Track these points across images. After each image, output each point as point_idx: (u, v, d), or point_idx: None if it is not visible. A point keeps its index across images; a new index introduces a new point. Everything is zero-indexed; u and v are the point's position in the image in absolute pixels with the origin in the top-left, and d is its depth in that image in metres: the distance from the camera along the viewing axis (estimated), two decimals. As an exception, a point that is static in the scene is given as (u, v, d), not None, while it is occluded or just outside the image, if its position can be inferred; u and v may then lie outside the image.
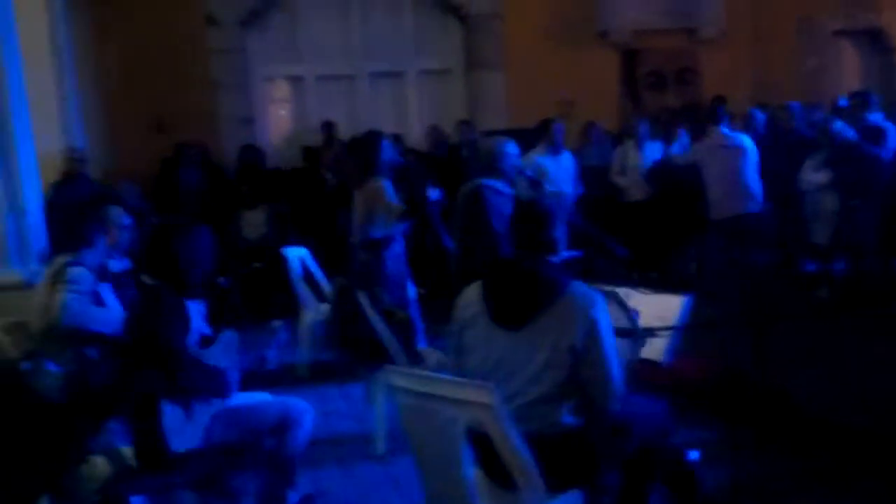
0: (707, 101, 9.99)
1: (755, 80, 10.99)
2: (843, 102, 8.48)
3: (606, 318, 2.96)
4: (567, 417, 2.90)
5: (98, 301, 4.08)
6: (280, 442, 3.56)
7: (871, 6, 11.56)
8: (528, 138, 7.31)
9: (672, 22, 11.01)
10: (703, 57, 11.11)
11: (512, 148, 5.05)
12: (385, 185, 5.52)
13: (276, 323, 4.01)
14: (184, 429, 3.36)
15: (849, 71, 12.00)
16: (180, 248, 3.45)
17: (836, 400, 4.74)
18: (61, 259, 4.14)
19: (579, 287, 2.97)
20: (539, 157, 7.49)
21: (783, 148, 8.01)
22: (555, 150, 7.63)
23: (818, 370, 5.32)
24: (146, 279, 3.50)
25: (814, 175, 7.32)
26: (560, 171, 7.59)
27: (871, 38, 11.91)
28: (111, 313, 4.05)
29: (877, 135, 7.02)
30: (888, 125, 7.17)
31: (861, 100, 8.03)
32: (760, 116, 8.80)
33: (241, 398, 3.64)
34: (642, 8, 10.84)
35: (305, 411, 3.68)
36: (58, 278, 4.01)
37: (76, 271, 4.01)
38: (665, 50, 11.09)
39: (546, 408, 2.89)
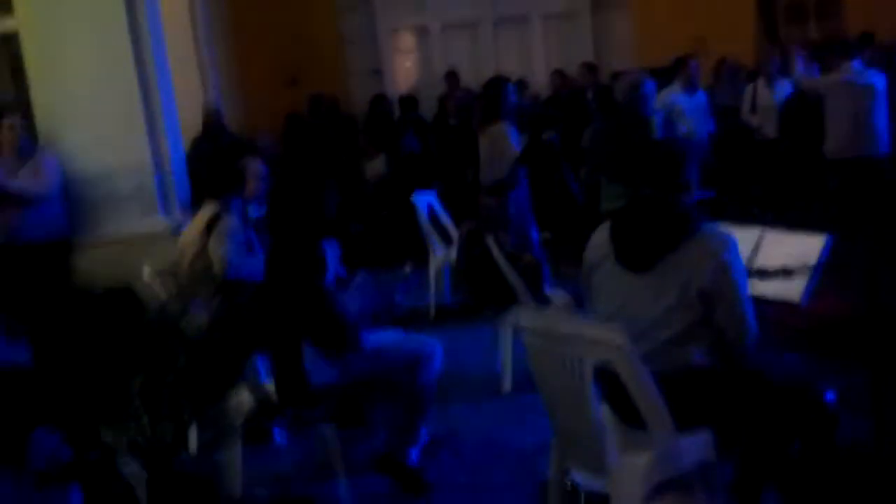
0: (851, 35, 9.40)
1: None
2: None
3: (739, 259, 2.89)
4: (698, 358, 2.87)
5: (250, 248, 4.29)
6: (412, 377, 3.68)
7: None
8: (657, 78, 7.13)
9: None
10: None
11: (650, 86, 4.98)
12: (508, 130, 5.52)
13: (407, 266, 4.12)
14: (322, 367, 3.52)
15: None
16: (310, 195, 3.57)
17: None
18: (210, 207, 4.35)
19: (710, 228, 2.90)
20: (674, 96, 7.34)
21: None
22: (691, 88, 7.47)
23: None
24: (282, 224, 3.65)
25: None
26: (695, 110, 7.42)
27: None
28: (260, 260, 4.25)
29: None
30: None
31: None
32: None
33: (376, 336, 3.77)
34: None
35: (436, 348, 3.78)
36: (213, 228, 4.22)
37: (230, 222, 4.22)
38: (805, -20, 10.49)
39: (676, 349, 2.86)
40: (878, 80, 6.86)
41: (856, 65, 6.88)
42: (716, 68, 9.09)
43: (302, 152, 8.19)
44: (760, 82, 8.29)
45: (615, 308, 2.96)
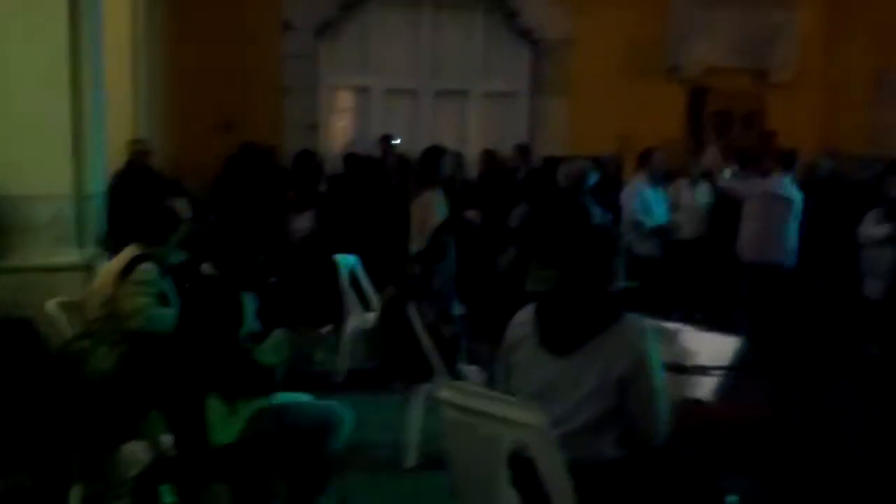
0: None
1: (822, 129, 10.82)
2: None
3: (656, 351, 2.92)
4: (609, 448, 2.87)
5: (163, 300, 4.17)
6: (317, 444, 3.57)
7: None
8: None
9: (743, 62, 10.93)
10: (772, 101, 10.99)
11: (594, 176, 5.11)
12: (439, 199, 5.56)
13: (326, 327, 4.05)
14: (226, 422, 3.39)
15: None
16: (240, 240, 3.50)
17: (882, 458, 4.62)
18: (131, 250, 4.22)
19: (631, 318, 2.94)
20: (641, 185, 7.59)
21: (845, 199, 7.88)
22: (655, 181, 7.69)
23: (866, 426, 5.20)
24: (205, 270, 3.56)
25: (873, 229, 7.19)
26: (659, 203, 7.70)
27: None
28: (172, 313, 4.12)
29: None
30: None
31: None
32: (826, 165, 8.68)
33: (284, 397, 3.66)
34: (714, 45, 10.77)
35: (345, 417, 3.69)
36: (130, 275, 4.08)
37: (148, 270, 4.09)
38: (734, 90, 10.99)
39: (589, 437, 2.85)
40: (798, 196, 7.21)
41: (786, 178, 7.22)
42: (640, 160, 9.35)
43: (232, 199, 8.06)
44: (683, 182, 8.57)
45: (534, 390, 2.95)
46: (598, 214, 5.50)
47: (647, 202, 7.52)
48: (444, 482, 3.06)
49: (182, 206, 4.39)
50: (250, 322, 3.52)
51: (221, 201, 7.97)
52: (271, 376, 3.45)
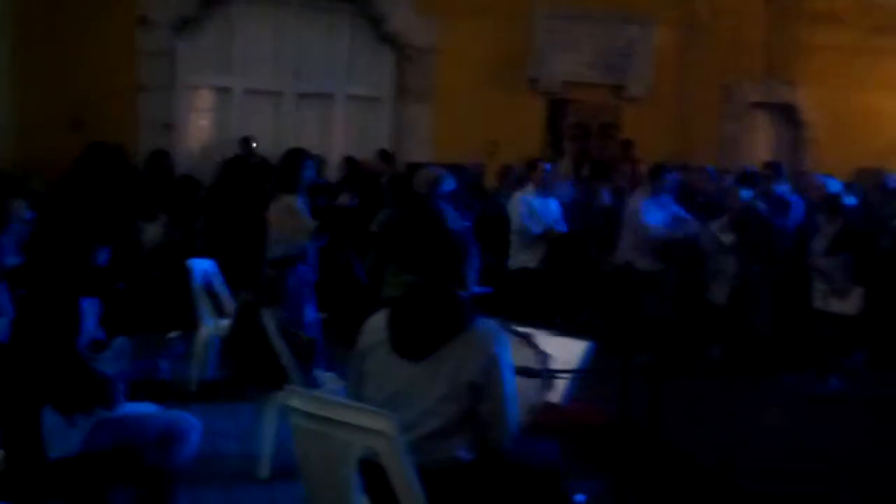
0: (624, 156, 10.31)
1: (674, 141, 11.35)
2: (749, 170, 8.85)
3: (508, 356, 2.96)
4: (461, 452, 2.88)
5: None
6: (163, 456, 3.43)
7: (787, 82, 12.15)
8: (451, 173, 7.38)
9: (600, 76, 11.33)
10: (627, 114, 11.43)
11: (450, 182, 5.12)
12: (299, 202, 5.47)
13: (173, 334, 3.88)
14: (64, 435, 3.21)
15: (762, 141, 12.58)
16: (81, 243, 3.32)
17: (724, 459, 4.86)
18: None
19: (483, 323, 2.97)
20: (526, 197, 7.65)
21: (693, 208, 8.29)
22: (543, 190, 7.78)
23: (709, 427, 5.46)
24: (41, 275, 3.36)
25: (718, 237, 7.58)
26: (549, 212, 7.78)
27: (785, 113, 12.52)
28: (3, 318, 3.87)
29: (783, 206, 7.32)
30: (794, 198, 7.48)
31: (772, 170, 8.36)
32: (672, 177, 9.10)
33: (127, 408, 3.50)
34: (573, 59, 11.12)
35: (193, 427, 3.56)
36: None
37: None
38: (591, 103, 11.37)
39: (441, 441, 2.86)
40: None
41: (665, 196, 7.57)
42: (500, 174, 9.55)
43: (75, 199, 7.67)
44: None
45: (386, 396, 2.93)
46: (452, 220, 5.53)
47: (532, 209, 7.62)
48: (298, 492, 2.99)
49: (20, 207, 4.12)
50: (90, 330, 3.34)
51: (62, 202, 7.55)
52: (112, 386, 3.28)
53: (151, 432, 3.45)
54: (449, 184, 5.17)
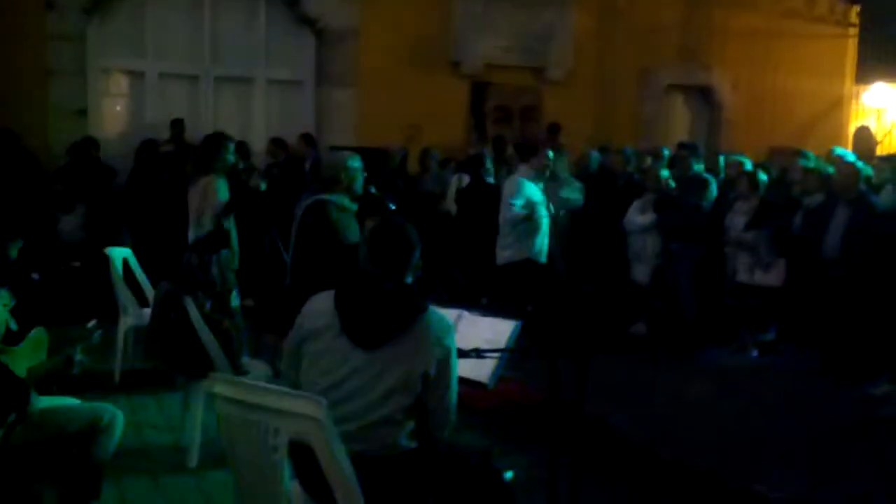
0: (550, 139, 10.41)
1: (595, 124, 11.51)
2: (666, 151, 9.03)
3: (455, 346, 2.96)
4: (404, 440, 2.87)
5: None
6: (85, 449, 3.33)
7: (702, 65, 12.44)
8: (373, 157, 7.32)
9: (521, 60, 11.37)
10: (548, 96, 11.53)
11: (357, 163, 4.98)
12: (218, 182, 5.35)
13: (91, 324, 3.76)
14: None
15: (679, 122, 12.86)
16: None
17: (649, 432, 4.98)
18: None
19: (434, 313, 2.94)
20: (523, 180, 7.44)
21: (613, 189, 8.43)
22: (540, 174, 7.54)
23: (635, 403, 5.59)
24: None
25: (639, 217, 7.73)
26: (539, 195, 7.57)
27: (702, 94, 12.82)
28: None
29: (700, 185, 7.49)
30: (709, 177, 7.66)
31: (689, 151, 8.54)
32: (596, 157, 9.27)
33: (46, 400, 3.38)
34: (494, 42, 11.13)
35: (115, 418, 3.47)
36: None
37: None
38: (513, 86, 11.42)
39: (386, 430, 2.84)
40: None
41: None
42: (421, 157, 9.54)
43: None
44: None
45: (332, 382, 2.87)
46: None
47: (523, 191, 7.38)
48: (228, 480, 2.94)
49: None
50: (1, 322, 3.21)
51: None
52: (25, 381, 3.16)
53: (73, 425, 3.35)
54: (357, 163, 5.04)
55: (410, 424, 2.88)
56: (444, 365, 2.88)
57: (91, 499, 3.46)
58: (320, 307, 2.98)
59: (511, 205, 7.27)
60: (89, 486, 3.43)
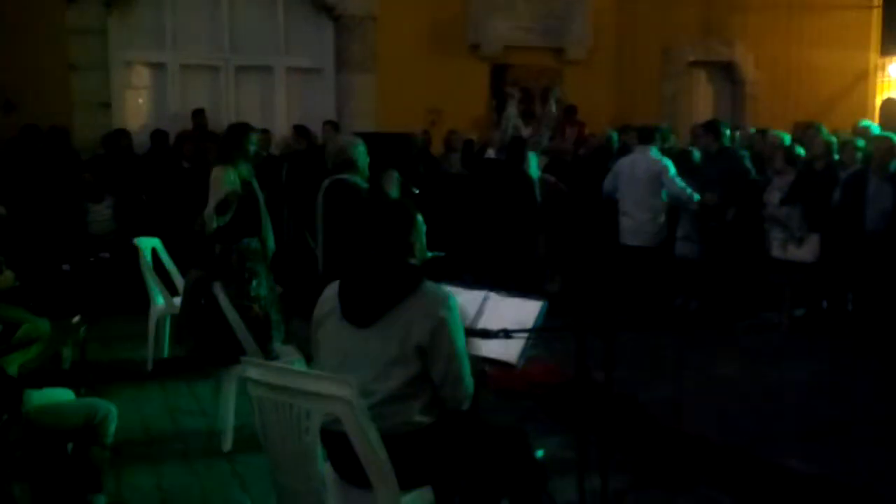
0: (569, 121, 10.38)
1: (617, 103, 11.43)
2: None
3: (457, 317, 2.96)
4: (417, 415, 2.90)
5: None
6: (81, 445, 3.38)
7: (724, 41, 12.31)
8: (396, 143, 7.33)
9: (541, 40, 11.30)
10: (569, 77, 11.47)
11: (363, 146, 5.07)
12: (227, 173, 5.38)
13: (75, 320, 3.76)
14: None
15: (702, 99, 12.74)
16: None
17: (678, 410, 4.97)
18: None
19: (432, 286, 2.97)
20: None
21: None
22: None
23: (663, 381, 5.57)
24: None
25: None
26: None
27: (724, 70, 12.69)
28: None
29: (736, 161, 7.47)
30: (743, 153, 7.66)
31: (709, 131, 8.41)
32: (617, 138, 9.19)
33: (40, 398, 3.43)
34: (513, 24, 11.08)
35: (109, 413, 3.49)
36: None
37: None
38: (533, 67, 11.37)
39: (396, 406, 2.87)
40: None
41: None
42: (446, 140, 9.55)
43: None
44: (490, 155, 8.84)
45: (337, 363, 2.94)
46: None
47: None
48: (262, 463, 2.98)
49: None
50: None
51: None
52: (17, 380, 3.16)
53: (68, 422, 3.39)
54: (363, 146, 5.14)
55: (422, 399, 2.90)
56: (439, 334, 2.87)
57: (93, 493, 3.50)
58: (329, 294, 3.08)
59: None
60: (90, 480, 3.47)
